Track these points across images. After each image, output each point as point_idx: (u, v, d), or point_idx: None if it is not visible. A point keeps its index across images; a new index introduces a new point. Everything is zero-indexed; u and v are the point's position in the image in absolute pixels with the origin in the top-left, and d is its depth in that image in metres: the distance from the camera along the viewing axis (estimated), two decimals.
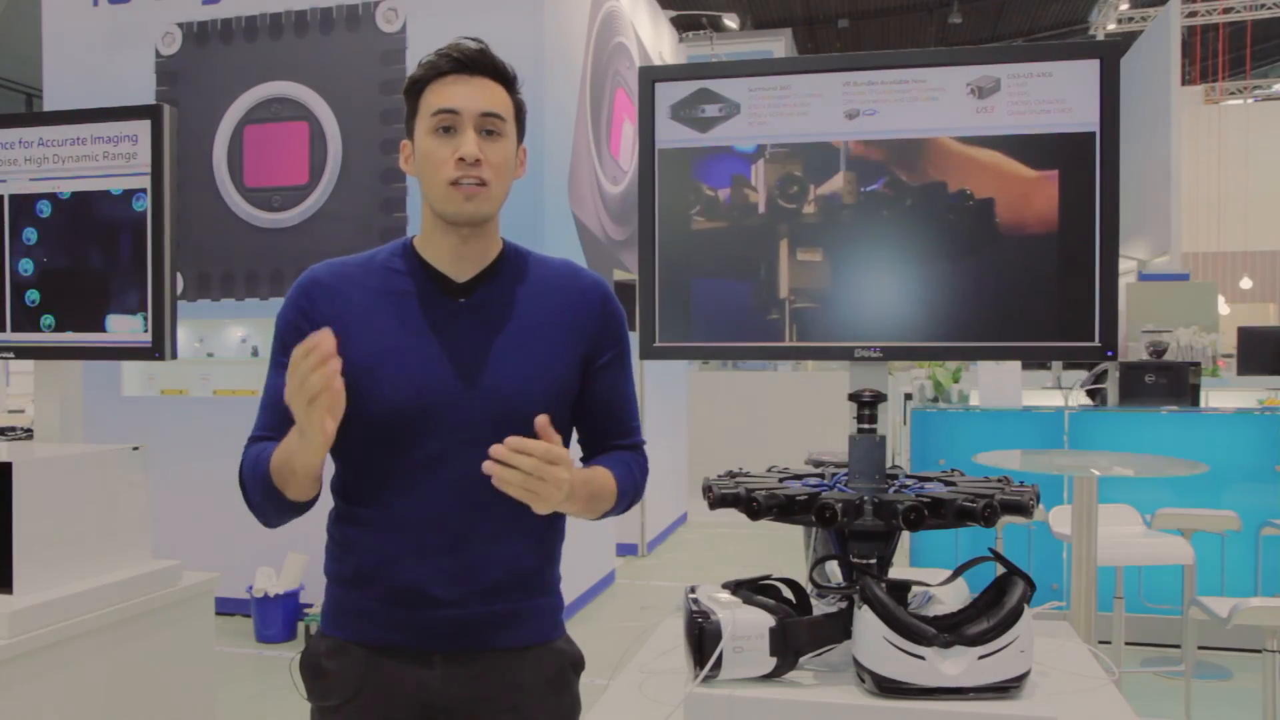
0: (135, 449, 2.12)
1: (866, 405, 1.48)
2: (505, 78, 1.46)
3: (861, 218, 1.55)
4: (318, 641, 1.52)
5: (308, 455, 1.32)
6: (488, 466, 1.26)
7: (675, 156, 1.61)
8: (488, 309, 1.48)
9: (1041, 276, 1.52)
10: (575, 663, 1.57)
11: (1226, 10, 16.15)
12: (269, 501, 1.42)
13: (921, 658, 1.18)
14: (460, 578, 1.44)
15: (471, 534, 1.44)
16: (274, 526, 1.48)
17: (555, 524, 1.54)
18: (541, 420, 1.28)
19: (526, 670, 1.49)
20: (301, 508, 1.43)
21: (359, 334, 1.44)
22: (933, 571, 1.56)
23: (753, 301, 1.60)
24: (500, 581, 1.47)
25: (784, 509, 1.35)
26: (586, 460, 1.58)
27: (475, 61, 1.43)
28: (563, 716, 1.53)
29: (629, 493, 1.54)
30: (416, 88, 1.45)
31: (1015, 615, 1.20)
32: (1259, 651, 2.90)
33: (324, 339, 1.23)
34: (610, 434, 1.59)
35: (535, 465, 1.25)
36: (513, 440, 1.26)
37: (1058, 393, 5.33)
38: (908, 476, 1.52)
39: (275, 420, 1.45)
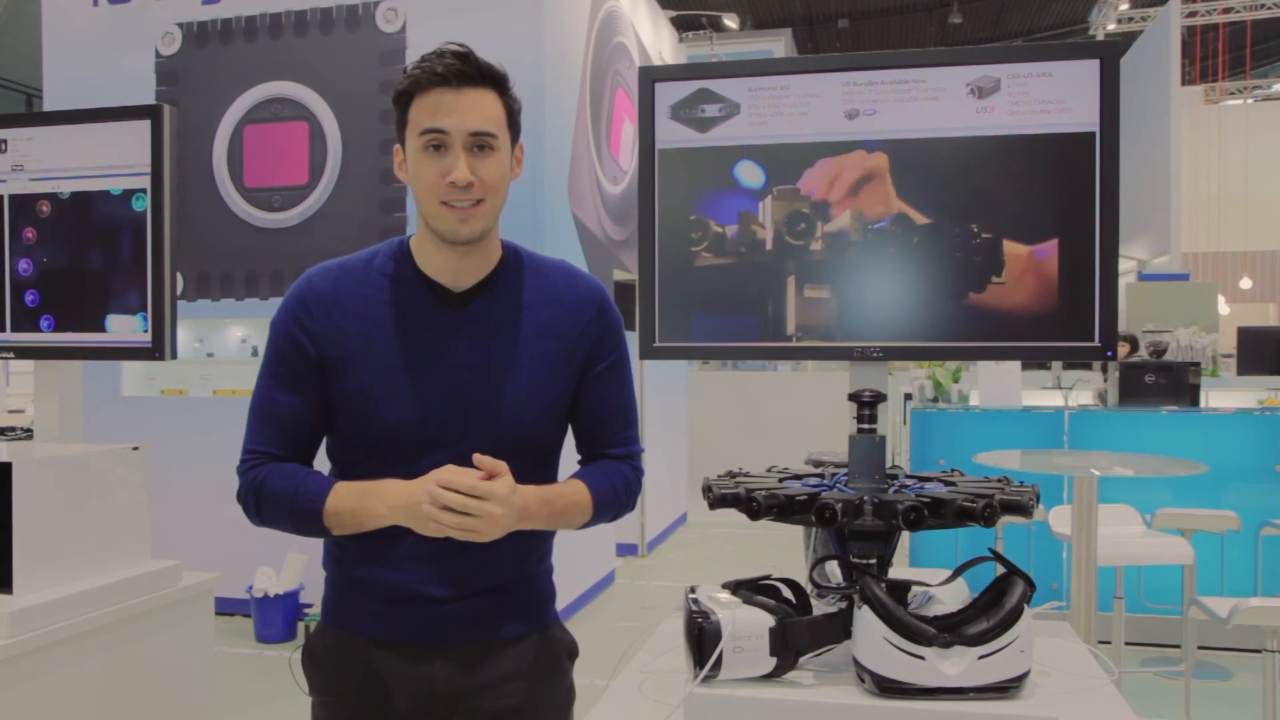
0: (135, 449, 2.12)
1: (866, 405, 1.47)
2: (494, 80, 1.41)
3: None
4: (318, 635, 1.54)
5: (391, 521, 1.38)
6: (428, 511, 1.31)
7: (675, 157, 1.61)
8: (485, 322, 1.47)
9: (1041, 277, 1.52)
10: (570, 650, 1.60)
11: (1226, 10, 16.14)
12: (293, 526, 1.44)
13: (921, 658, 1.18)
14: (460, 580, 1.47)
15: (469, 544, 1.44)
16: (264, 527, 1.49)
17: None
18: (476, 456, 1.35)
19: (524, 658, 1.51)
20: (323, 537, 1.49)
21: (360, 353, 1.44)
22: (933, 571, 1.56)
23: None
24: (500, 583, 1.49)
25: (784, 509, 1.35)
26: (581, 465, 1.59)
27: (460, 74, 1.37)
28: (559, 703, 1.56)
29: (610, 504, 1.53)
30: (403, 99, 1.41)
31: (1015, 615, 1.20)
32: (1259, 651, 2.90)
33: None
34: (601, 441, 1.57)
35: (461, 502, 1.30)
36: (440, 478, 1.31)
37: (1058, 393, 5.33)
38: (908, 476, 1.52)
39: (277, 434, 1.46)
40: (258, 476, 1.44)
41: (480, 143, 1.39)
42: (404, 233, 4.96)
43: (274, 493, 1.42)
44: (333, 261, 1.51)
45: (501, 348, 1.46)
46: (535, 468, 1.50)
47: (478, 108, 1.39)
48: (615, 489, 1.53)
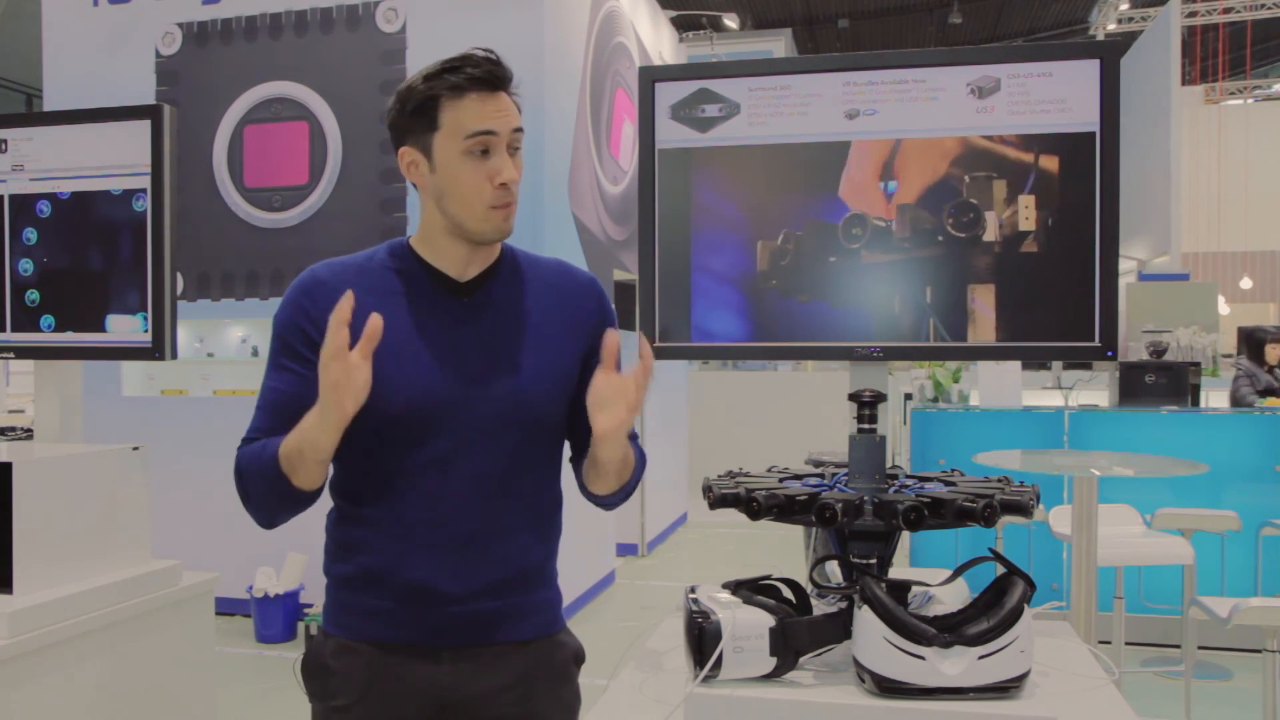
0: (135, 449, 2.12)
1: (866, 405, 1.48)
2: (508, 84, 1.44)
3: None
4: (321, 641, 1.52)
5: (322, 436, 1.32)
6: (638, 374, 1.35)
7: (675, 156, 1.61)
8: (490, 308, 1.49)
9: (1041, 277, 1.52)
10: (576, 655, 1.59)
11: (1226, 10, 16.14)
12: (272, 492, 1.39)
13: (921, 658, 1.18)
14: (469, 574, 1.45)
15: (479, 531, 1.45)
16: (270, 526, 1.46)
17: (557, 519, 1.56)
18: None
19: (532, 662, 1.50)
20: (305, 499, 1.41)
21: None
22: (933, 571, 1.56)
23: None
24: (507, 577, 1.48)
25: (784, 509, 1.35)
26: (581, 456, 1.58)
27: (497, 77, 1.40)
28: (566, 707, 1.55)
29: (638, 472, 1.53)
30: (431, 103, 1.40)
31: (1015, 615, 1.20)
32: (1259, 651, 2.90)
33: (373, 325, 1.29)
34: None
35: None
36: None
37: (1058, 393, 5.33)
38: (908, 476, 1.52)
39: (272, 422, 1.44)
40: (239, 457, 1.43)
41: (516, 142, 1.43)
42: (404, 233, 4.95)
43: (248, 462, 1.41)
44: (334, 259, 1.53)
45: (508, 331, 1.48)
46: (545, 455, 1.51)
47: (512, 109, 1.43)
48: (640, 458, 1.54)
